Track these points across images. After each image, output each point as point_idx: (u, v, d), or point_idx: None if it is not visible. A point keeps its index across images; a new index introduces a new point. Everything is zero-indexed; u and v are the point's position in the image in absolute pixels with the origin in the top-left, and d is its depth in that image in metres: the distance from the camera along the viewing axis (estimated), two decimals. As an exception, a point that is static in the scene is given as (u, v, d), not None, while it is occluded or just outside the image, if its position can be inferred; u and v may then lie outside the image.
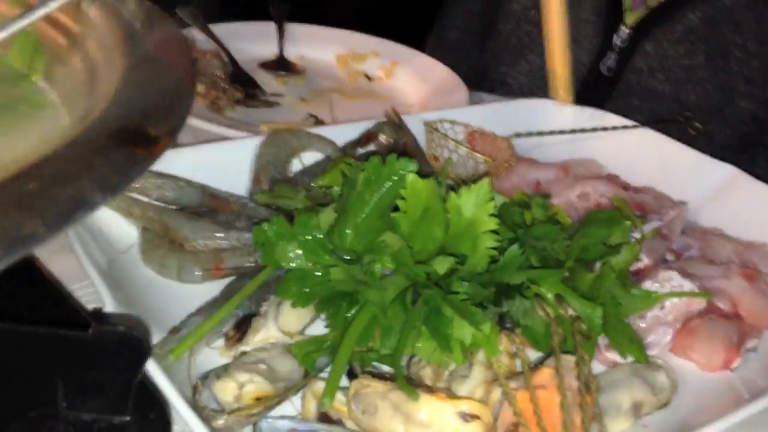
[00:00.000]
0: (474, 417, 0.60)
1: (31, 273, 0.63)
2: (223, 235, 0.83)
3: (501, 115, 1.16)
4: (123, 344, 0.50)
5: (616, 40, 1.36)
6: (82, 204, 0.32)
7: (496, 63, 1.53)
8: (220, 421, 0.60)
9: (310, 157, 1.00)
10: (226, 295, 0.77)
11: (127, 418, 0.54)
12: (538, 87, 1.42)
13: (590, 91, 1.39)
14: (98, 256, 0.77)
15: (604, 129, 1.14)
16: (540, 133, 1.13)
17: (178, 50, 0.47)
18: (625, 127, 1.15)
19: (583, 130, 1.13)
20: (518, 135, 1.12)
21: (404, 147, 1.04)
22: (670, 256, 0.93)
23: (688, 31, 1.35)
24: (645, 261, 0.86)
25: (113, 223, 0.84)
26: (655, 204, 1.02)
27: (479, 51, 1.58)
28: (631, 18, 1.39)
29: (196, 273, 0.81)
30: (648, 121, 1.19)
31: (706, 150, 1.09)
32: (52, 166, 0.33)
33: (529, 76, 1.49)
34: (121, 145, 0.36)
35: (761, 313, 0.81)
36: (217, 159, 0.95)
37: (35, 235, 0.31)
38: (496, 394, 0.65)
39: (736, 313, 0.82)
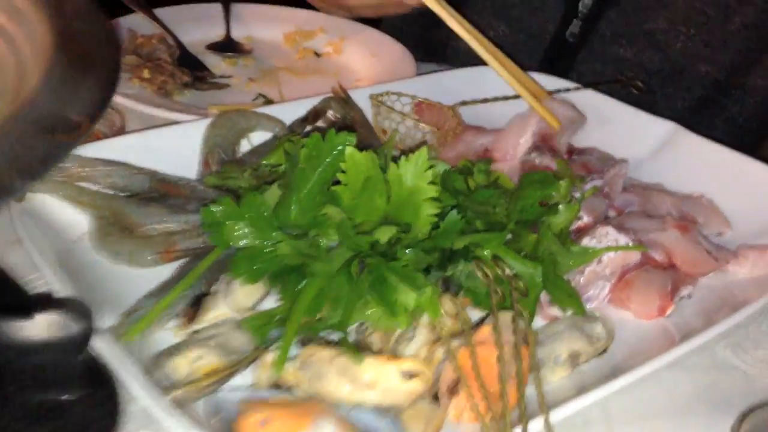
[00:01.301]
0: (415, 375, 0.63)
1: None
2: (173, 218, 0.85)
3: (447, 84, 1.18)
4: (65, 328, 0.52)
5: (581, 8, 1.38)
6: (2, 190, 0.34)
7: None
8: (170, 397, 0.62)
9: (259, 137, 1.01)
10: (178, 276, 0.78)
11: (74, 398, 0.56)
12: (507, 55, 1.43)
13: (554, 57, 1.42)
14: (48, 247, 0.77)
15: (548, 92, 1.17)
16: (485, 100, 1.15)
17: (102, 38, 0.49)
18: (567, 89, 1.17)
19: (526, 95, 1.15)
20: (464, 103, 1.14)
21: (352, 122, 1.05)
22: (612, 213, 0.96)
23: None
24: (586, 219, 0.89)
25: (63, 213, 0.84)
26: (598, 164, 1.05)
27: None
28: None
29: (149, 257, 0.82)
30: (591, 82, 1.21)
31: (665, 113, 1.12)
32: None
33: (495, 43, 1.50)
34: (43, 131, 0.38)
35: (694, 262, 0.85)
36: (166, 143, 0.96)
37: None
38: (440, 353, 0.68)
39: (671, 263, 0.85)
